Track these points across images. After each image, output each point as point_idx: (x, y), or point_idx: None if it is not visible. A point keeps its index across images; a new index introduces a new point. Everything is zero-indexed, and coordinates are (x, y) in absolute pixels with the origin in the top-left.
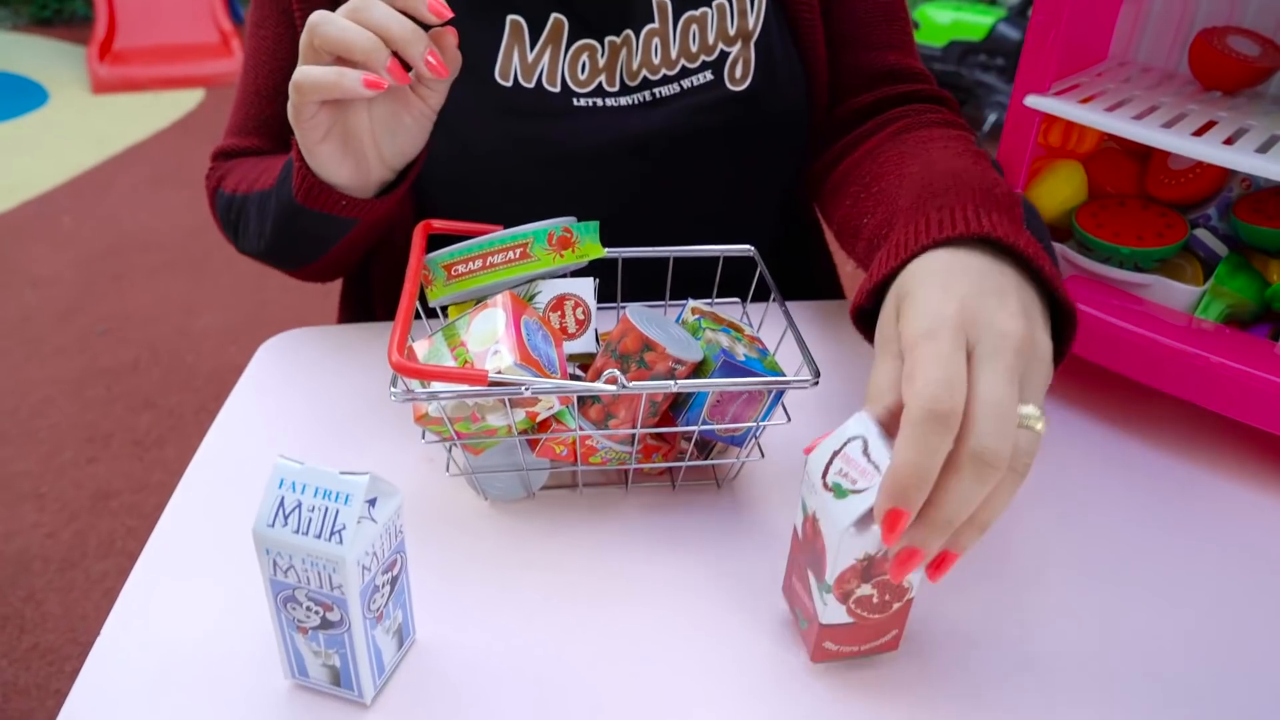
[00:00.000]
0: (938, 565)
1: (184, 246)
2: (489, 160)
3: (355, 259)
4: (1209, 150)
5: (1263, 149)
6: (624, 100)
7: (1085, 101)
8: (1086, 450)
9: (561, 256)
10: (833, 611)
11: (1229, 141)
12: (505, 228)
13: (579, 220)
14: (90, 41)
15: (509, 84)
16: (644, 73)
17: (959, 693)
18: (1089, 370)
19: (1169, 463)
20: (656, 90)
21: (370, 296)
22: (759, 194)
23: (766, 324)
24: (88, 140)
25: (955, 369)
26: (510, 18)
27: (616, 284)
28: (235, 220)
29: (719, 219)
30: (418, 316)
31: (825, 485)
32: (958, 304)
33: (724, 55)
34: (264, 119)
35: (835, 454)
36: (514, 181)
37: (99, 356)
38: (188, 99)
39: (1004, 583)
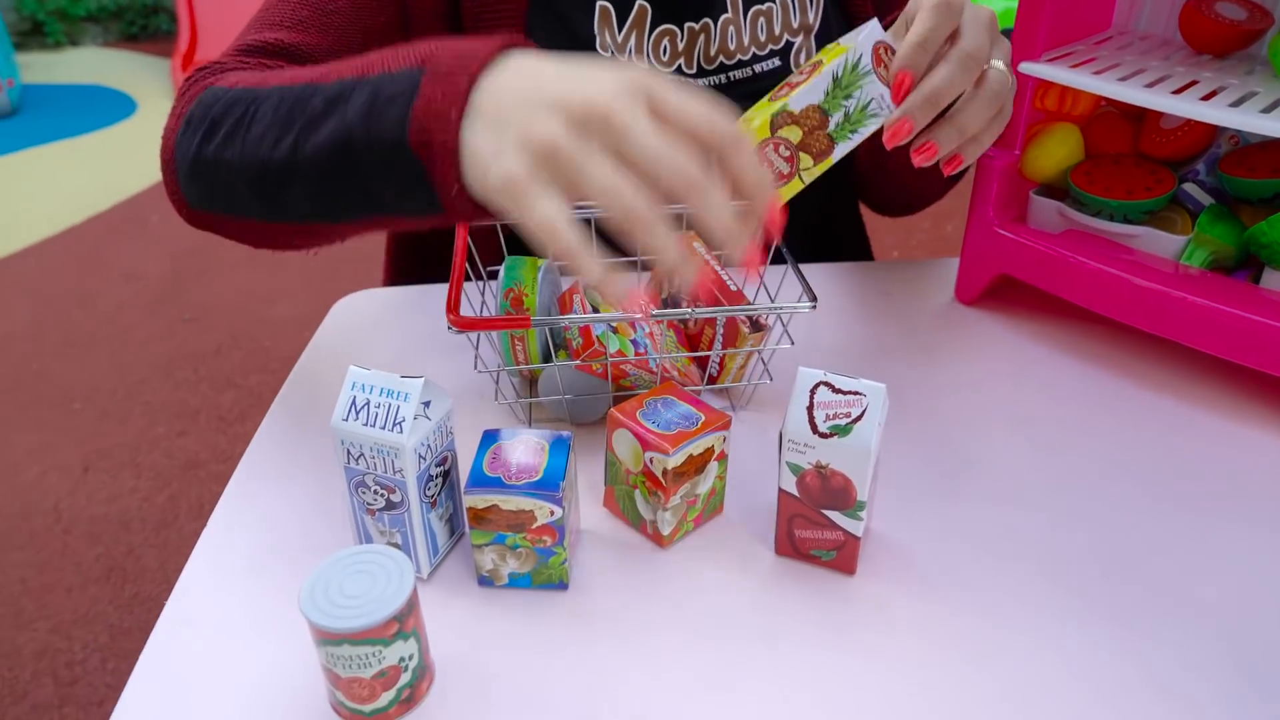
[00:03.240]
0: (924, 150)
1: None
2: None
3: (333, 242)
4: (1185, 105)
5: (1237, 104)
6: (700, 82)
7: (1076, 66)
8: (1080, 389)
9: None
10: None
11: (1207, 98)
12: None
13: None
14: (174, 54)
15: (608, 56)
16: (720, 58)
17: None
18: (1084, 315)
19: (1158, 401)
20: (731, 74)
21: (420, 265)
22: None
23: (774, 270)
24: None
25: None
26: (600, 4)
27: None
28: (215, 121)
29: None
30: (468, 278)
31: (824, 434)
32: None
33: (789, 45)
34: (330, 10)
35: (808, 409)
36: None
37: (186, 342)
38: None
39: (991, 511)
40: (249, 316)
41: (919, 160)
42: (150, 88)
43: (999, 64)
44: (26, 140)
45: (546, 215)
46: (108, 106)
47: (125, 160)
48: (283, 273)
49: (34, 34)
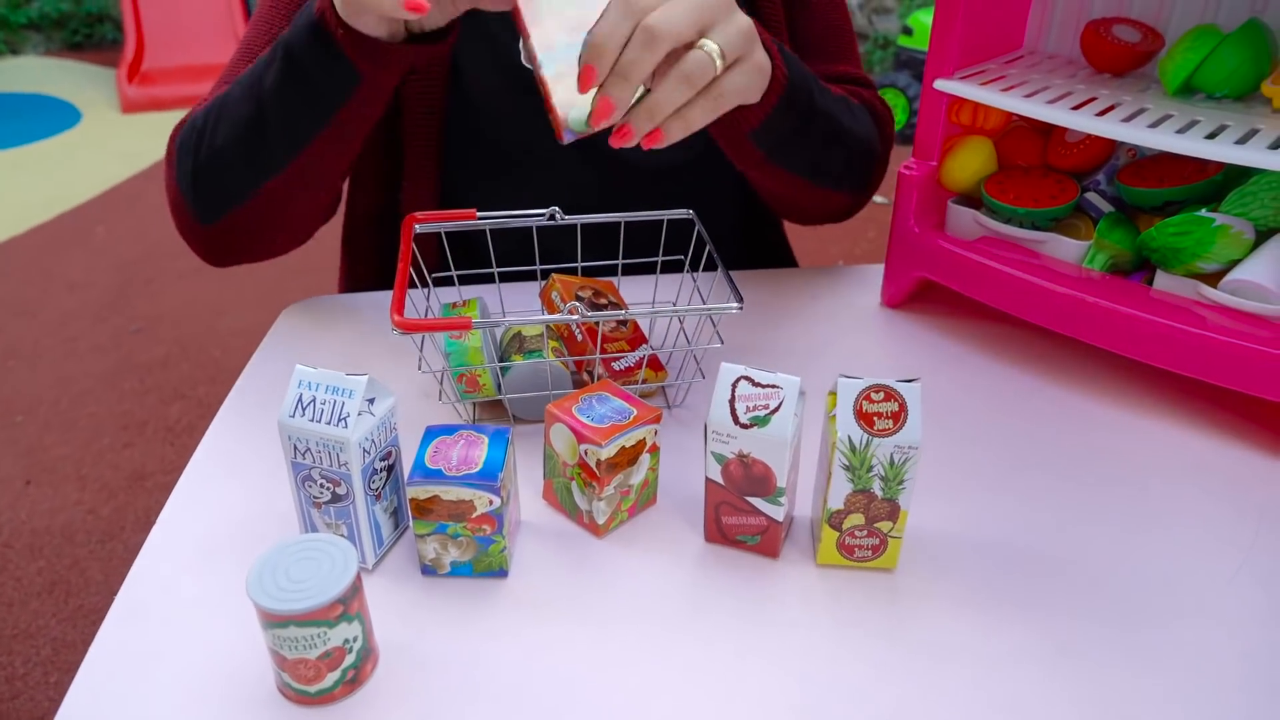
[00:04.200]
0: (620, 133)
1: None
2: (520, 140)
3: (323, 189)
4: (1080, 120)
5: (1128, 119)
6: None
7: (986, 84)
8: (990, 382)
9: None
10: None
11: (1103, 114)
12: (480, 212)
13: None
14: (119, 64)
15: (530, 68)
16: None
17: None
18: (996, 315)
19: (1063, 394)
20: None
21: (375, 275)
22: (727, 180)
23: (705, 278)
24: (118, 156)
25: None
26: None
27: (576, 248)
28: (201, 130)
29: (692, 201)
30: (413, 285)
31: (745, 424)
32: None
33: None
34: None
35: (730, 402)
36: (535, 159)
37: (133, 353)
38: None
39: None
40: (197, 327)
41: (616, 141)
42: (95, 97)
43: (709, 47)
44: None
45: None
46: (51, 116)
47: (70, 171)
48: (231, 284)
49: None
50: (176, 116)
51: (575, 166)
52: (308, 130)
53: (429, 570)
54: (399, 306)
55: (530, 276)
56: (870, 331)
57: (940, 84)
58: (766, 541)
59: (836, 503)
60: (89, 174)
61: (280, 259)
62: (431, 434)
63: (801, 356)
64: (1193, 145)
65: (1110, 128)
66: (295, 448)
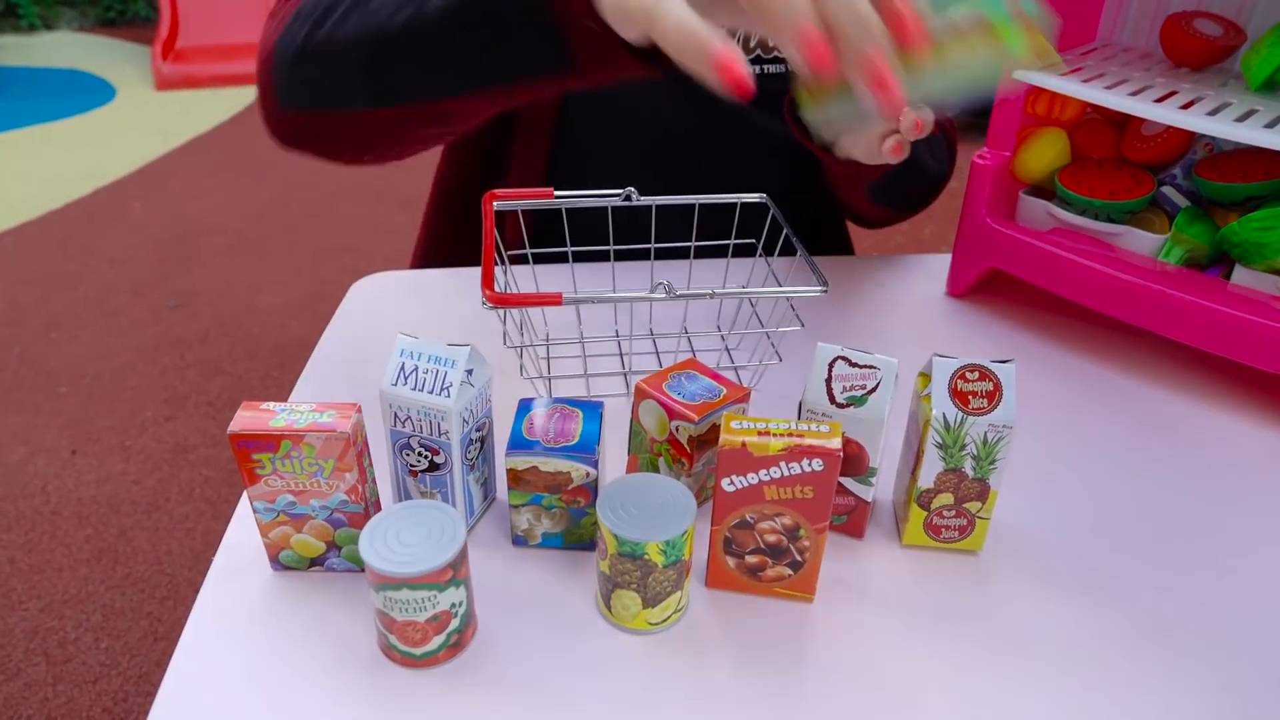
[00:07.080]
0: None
1: (247, 230)
2: (628, 110)
3: (442, 133)
4: (1167, 113)
5: (1213, 113)
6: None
7: (1065, 75)
8: (1062, 373)
9: None
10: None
11: (1186, 107)
12: (556, 192)
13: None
14: (154, 41)
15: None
16: (758, 51)
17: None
18: (1067, 307)
19: (1136, 386)
20: (766, 68)
21: (450, 254)
22: (807, 163)
23: (776, 262)
24: (153, 133)
25: None
26: None
27: (650, 227)
28: (330, 6)
29: (770, 187)
30: (497, 263)
31: (841, 404)
32: None
33: None
34: None
35: (827, 382)
36: (641, 135)
37: (172, 329)
38: (245, 94)
39: None
40: (235, 304)
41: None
42: (129, 74)
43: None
44: (1, 123)
45: (678, 18)
46: (86, 92)
47: (105, 146)
48: (269, 261)
49: (7, 16)
50: (210, 94)
51: (672, 148)
52: (463, 84)
53: (520, 541)
54: (489, 281)
55: (604, 257)
56: (937, 320)
57: (1019, 75)
58: (853, 521)
59: (927, 481)
60: (124, 150)
61: (313, 238)
62: (525, 406)
63: (872, 343)
64: None
65: (1198, 121)
66: (395, 416)
